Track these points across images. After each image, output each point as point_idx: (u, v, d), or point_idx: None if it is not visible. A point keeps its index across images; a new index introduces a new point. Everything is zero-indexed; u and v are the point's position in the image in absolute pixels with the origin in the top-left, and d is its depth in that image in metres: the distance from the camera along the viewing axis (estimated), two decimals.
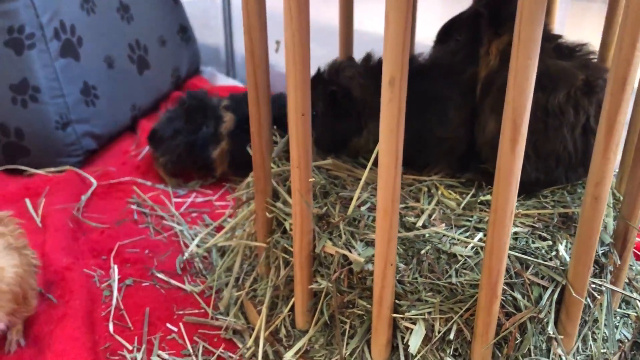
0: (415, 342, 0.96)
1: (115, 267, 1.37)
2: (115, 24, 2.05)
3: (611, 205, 1.11)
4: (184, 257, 1.41)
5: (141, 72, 2.14)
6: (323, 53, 2.11)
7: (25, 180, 1.76)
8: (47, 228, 1.52)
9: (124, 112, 2.05)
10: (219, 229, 1.55)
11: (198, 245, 1.44)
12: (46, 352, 1.10)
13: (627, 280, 1.13)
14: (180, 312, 1.26)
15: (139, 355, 1.14)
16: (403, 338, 0.99)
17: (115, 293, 1.29)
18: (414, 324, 0.96)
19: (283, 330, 1.12)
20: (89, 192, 1.70)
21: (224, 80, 2.49)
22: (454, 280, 0.96)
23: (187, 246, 1.47)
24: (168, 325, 1.22)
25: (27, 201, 1.66)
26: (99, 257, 1.43)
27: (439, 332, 0.96)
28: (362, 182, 1.04)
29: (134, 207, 1.64)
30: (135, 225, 1.56)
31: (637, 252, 1.30)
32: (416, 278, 0.97)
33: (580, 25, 1.65)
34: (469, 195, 1.12)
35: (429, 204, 1.10)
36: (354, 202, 1.04)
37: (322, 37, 1.78)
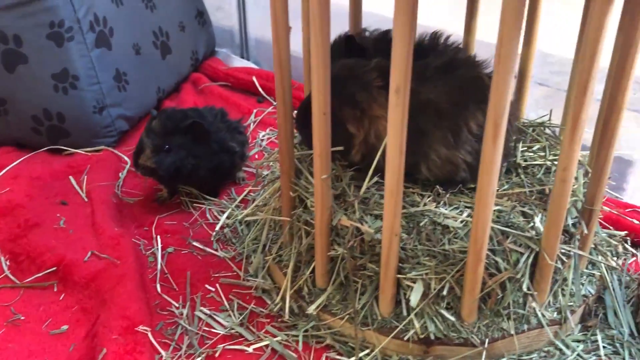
0: (415, 297, 1.18)
1: (158, 237, 1.59)
2: (141, 13, 2.22)
3: (581, 180, 1.31)
4: (217, 228, 1.62)
5: (164, 57, 2.32)
6: (332, 35, 2.28)
7: (67, 159, 1.96)
8: (93, 201, 1.73)
9: (150, 94, 2.23)
10: (243, 201, 1.76)
11: (228, 217, 1.66)
12: (110, 306, 1.32)
13: (593, 246, 1.34)
14: (216, 275, 1.48)
15: (185, 311, 1.36)
16: (405, 294, 1.21)
17: (159, 259, 1.51)
18: (414, 282, 1.18)
19: (305, 289, 1.33)
20: (125, 170, 1.91)
21: (238, 62, 2.66)
22: (447, 247, 1.18)
23: (217, 218, 1.68)
24: (207, 286, 1.44)
25: (71, 178, 1.87)
26: (141, 227, 1.65)
27: (434, 289, 1.18)
28: (371, 169, 1.24)
29: None
30: (169, 200, 1.77)
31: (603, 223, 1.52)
32: (416, 245, 1.19)
33: None
34: None
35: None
36: (365, 184, 1.25)
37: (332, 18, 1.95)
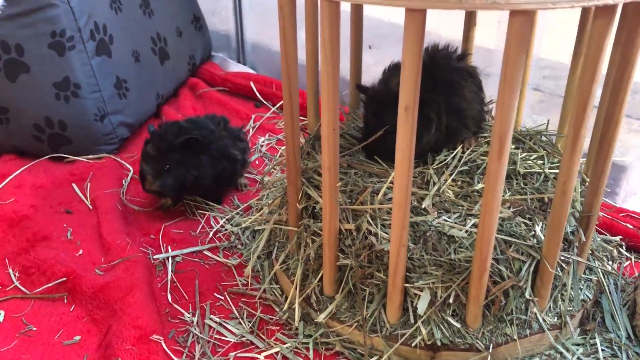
0: (422, 305, 1.22)
1: (169, 247, 1.62)
2: (139, 20, 2.23)
3: (578, 189, 1.36)
4: (222, 236, 1.65)
5: (162, 63, 2.34)
6: None
7: (69, 167, 1.98)
8: (98, 210, 1.75)
9: (150, 101, 2.25)
10: (246, 209, 1.79)
11: (232, 225, 1.69)
12: (121, 315, 1.35)
13: (590, 252, 1.39)
14: (224, 283, 1.51)
15: (195, 319, 1.39)
16: (412, 302, 1.25)
17: (169, 268, 1.54)
18: (421, 291, 1.22)
19: (313, 297, 1.37)
20: (129, 177, 1.93)
21: (235, 67, 2.68)
22: (452, 256, 1.22)
23: (222, 226, 1.71)
24: (215, 294, 1.47)
25: (74, 186, 1.89)
26: (148, 236, 1.68)
27: (441, 297, 1.22)
28: (385, 185, 1.28)
29: None
30: (173, 207, 1.80)
31: (599, 229, 1.57)
32: (423, 255, 1.23)
33: None
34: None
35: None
36: (380, 195, 1.29)
37: None
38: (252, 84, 2.45)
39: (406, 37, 0.97)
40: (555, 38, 2.13)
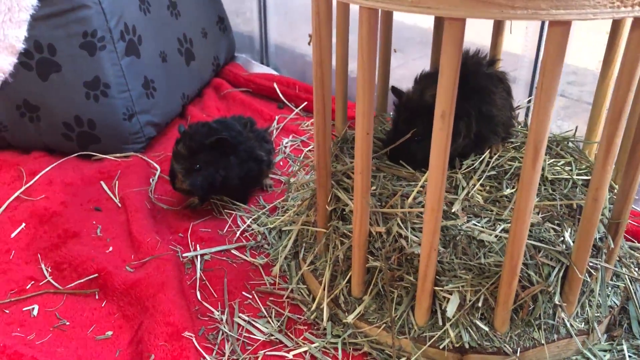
0: (451, 308, 1.23)
1: (197, 245, 1.64)
2: (166, 21, 2.27)
3: (606, 196, 1.37)
4: (251, 239, 1.68)
5: (188, 64, 2.37)
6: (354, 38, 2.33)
7: (97, 165, 2.01)
8: (127, 208, 1.78)
9: (176, 101, 2.29)
10: (272, 209, 1.82)
11: (258, 225, 1.72)
12: (153, 312, 1.38)
13: (618, 258, 1.40)
14: (252, 282, 1.53)
15: (224, 317, 1.42)
16: (441, 305, 1.26)
17: (198, 266, 1.57)
18: (450, 294, 1.24)
19: (341, 298, 1.39)
20: (156, 175, 1.96)
21: (258, 68, 2.71)
22: (482, 261, 1.23)
23: (249, 226, 1.73)
24: (243, 292, 1.50)
25: (103, 184, 1.92)
26: (176, 234, 1.70)
27: (470, 300, 1.24)
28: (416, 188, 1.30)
29: None
30: (200, 206, 1.83)
31: (626, 236, 1.57)
32: (452, 259, 1.24)
33: None
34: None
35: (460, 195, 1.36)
36: (410, 199, 1.31)
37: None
38: (275, 85, 2.48)
39: (445, 46, 0.99)
40: (580, 44, 2.14)
